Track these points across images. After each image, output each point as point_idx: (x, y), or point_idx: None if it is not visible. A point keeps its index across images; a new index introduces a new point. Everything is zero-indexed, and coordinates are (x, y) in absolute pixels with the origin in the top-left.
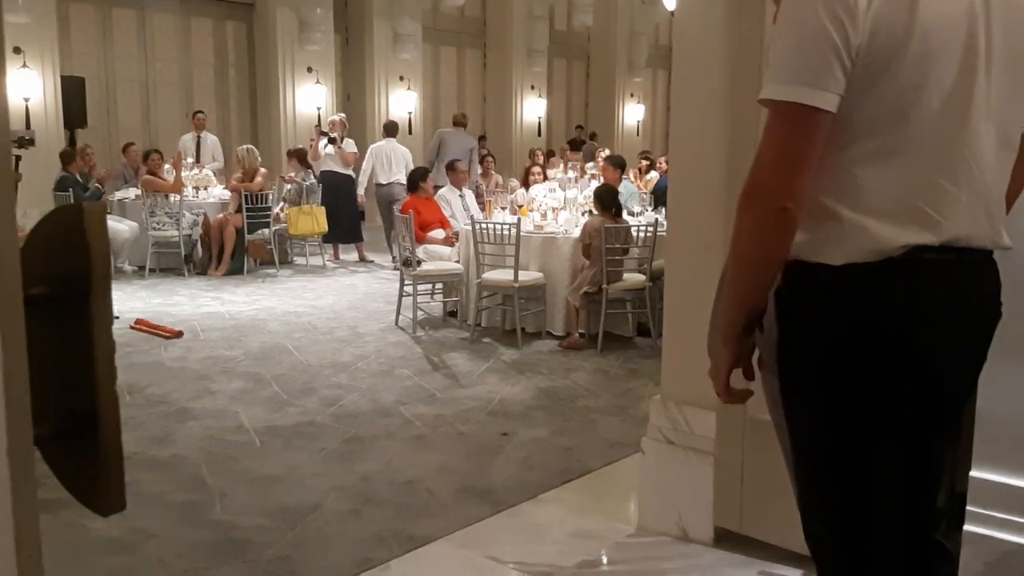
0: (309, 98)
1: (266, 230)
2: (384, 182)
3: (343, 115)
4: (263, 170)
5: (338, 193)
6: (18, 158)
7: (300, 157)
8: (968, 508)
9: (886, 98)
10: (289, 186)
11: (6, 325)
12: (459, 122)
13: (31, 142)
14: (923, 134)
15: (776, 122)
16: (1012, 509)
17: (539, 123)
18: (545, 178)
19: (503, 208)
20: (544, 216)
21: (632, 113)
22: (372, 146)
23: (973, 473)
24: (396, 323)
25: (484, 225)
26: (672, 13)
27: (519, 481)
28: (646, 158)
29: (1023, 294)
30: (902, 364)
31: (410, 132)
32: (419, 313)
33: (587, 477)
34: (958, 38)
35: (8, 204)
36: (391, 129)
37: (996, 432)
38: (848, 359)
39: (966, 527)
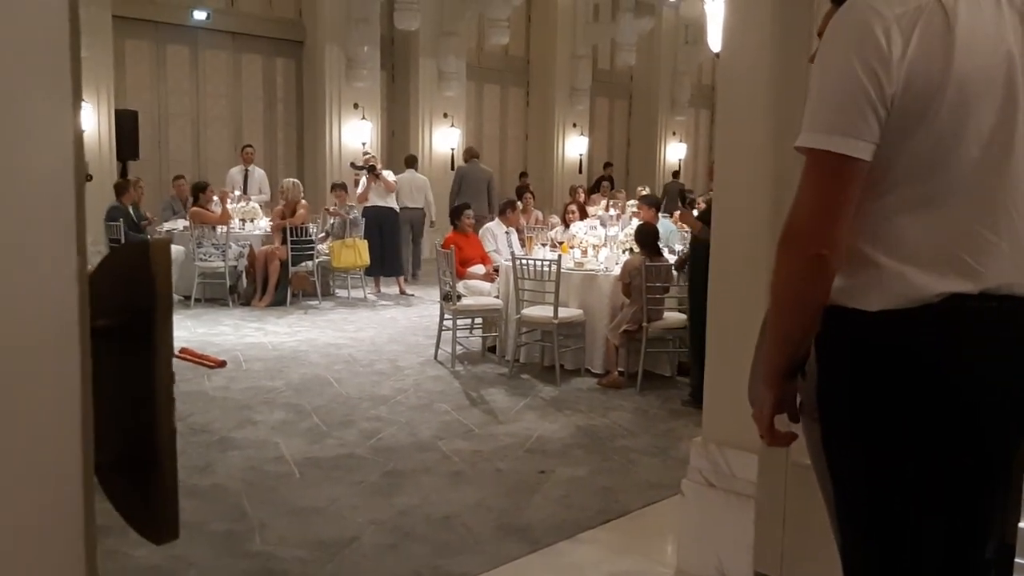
0: (355, 133)
1: (309, 262)
2: (411, 206)
3: (371, 153)
4: (304, 202)
5: (381, 226)
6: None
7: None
8: (1016, 560)
9: (924, 146)
10: (332, 219)
11: (80, 355)
12: (473, 155)
13: (89, 177)
14: (962, 182)
15: (812, 170)
16: None
17: (580, 160)
18: (584, 215)
19: (544, 245)
20: (584, 253)
21: (674, 152)
22: (399, 176)
23: (1022, 524)
24: (435, 357)
25: (524, 261)
26: (716, 55)
27: (557, 520)
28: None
29: None
30: (941, 411)
31: (452, 167)
32: (458, 348)
33: (626, 518)
34: (996, 86)
35: (81, 238)
36: (411, 161)
37: None
38: (884, 405)
39: None
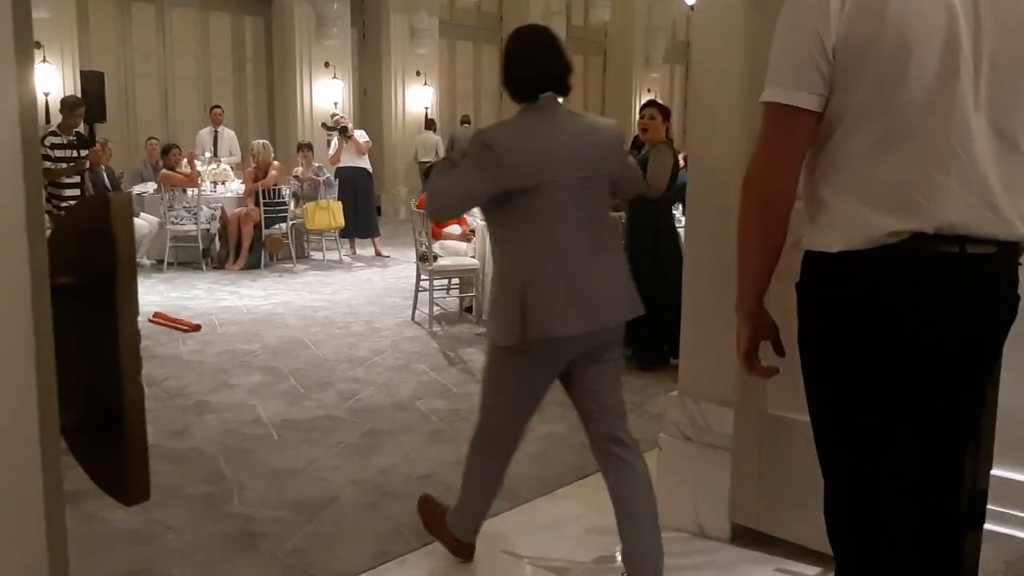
0: (326, 93)
1: (283, 225)
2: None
3: (339, 114)
4: (276, 163)
5: (355, 188)
6: (81, 156)
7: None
8: (989, 507)
9: (868, 93)
10: (303, 184)
11: (35, 315)
12: (465, 120)
13: (92, 141)
14: (909, 125)
15: (765, 121)
16: None
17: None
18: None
19: None
20: None
21: None
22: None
23: (994, 471)
24: (412, 318)
25: None
26: (691, 8)
27: (535, 476)
28: None
29: None
30: (889, 345)
31: (426, 127)
32: (435, 308)
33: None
34: (936, 34)
35: (37, 196)
36: (429, 124)
37: (1018, 430)
38: (848, 341)
39: (986, 526)
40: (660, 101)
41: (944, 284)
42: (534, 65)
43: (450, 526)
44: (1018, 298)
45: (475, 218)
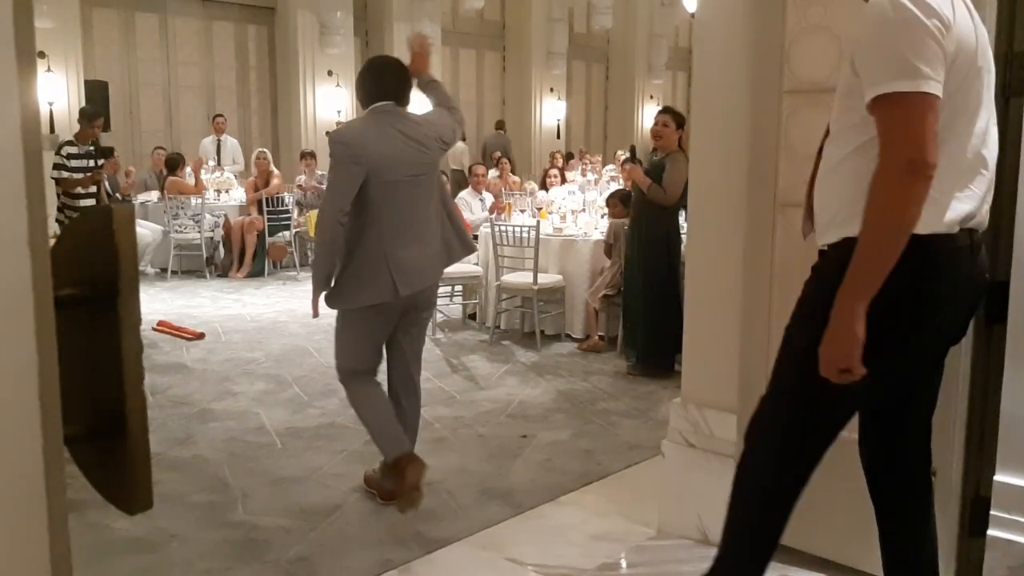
0: (329, 101)
1: (286, 233)
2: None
3: (344, 122)
4: (277, 172)
5: None
6: (99, 166)
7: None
8: (992, 512)
9: (958, 103)
10: (305, 193)
11: (38, 326)
12: (500, 127)
13: (111, 151)
14: (966, 132)
15: (917, 109)
16: None
17: (558, 125)
18: (563, 181)
19: (522, 211)
20: (563, 218)
21: (652, 115)
22: None
23: (997, 477)
24: None
25: (503, 227)
26: (692, 15)
27: (539, 483)
28: None
29: None
30: (930, 313)
31: None
32: (439, 315)
33: (607, 480)
34: (975, 57)
35: (40, 207)
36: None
37: (1020, 435)
38: (906, 305)
39: (989, 531)
40: (673, 107)
41: (974, 261)
42: (375, 82)
43: (379, 473)
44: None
45: (474, 215)
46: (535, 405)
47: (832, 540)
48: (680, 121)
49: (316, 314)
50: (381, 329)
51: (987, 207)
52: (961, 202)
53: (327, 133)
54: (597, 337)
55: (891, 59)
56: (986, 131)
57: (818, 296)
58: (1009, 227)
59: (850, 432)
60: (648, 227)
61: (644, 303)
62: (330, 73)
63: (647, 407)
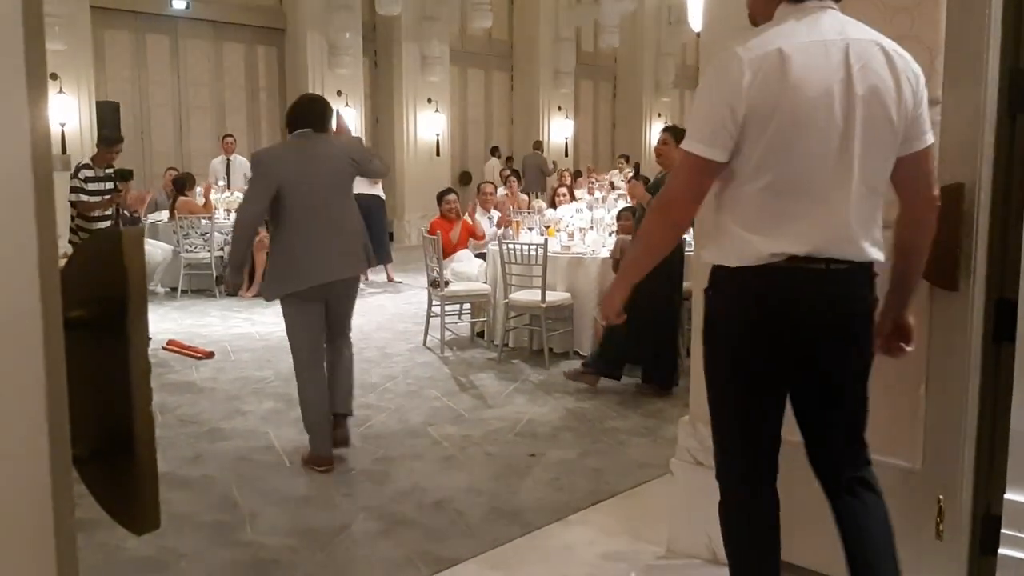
0: None
1: None
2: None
3: (361, 137)
4: None
5: (367, 214)
6: (117, 189)
7: None
8: (1003, 531)
9: (767, 150)
10: None
11: (47, 347)
12: (537, 147)
13: (130, 174)
14: (794, 179)
15: (686, 164)
16: None
17: (566, 144)
18: (572, 199)
19: (531, 229)
20: (571, 236)
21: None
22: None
23: (1007, 496)
24: (424, 343)
25: (511, 246)
26: (698, 34)
27: (548, 502)
28: None
29: None
30: (778, 330)
31: (438, 154)
32: (447, 334)
33: (616, 499)
34: (819, 112)
35: (50, 230)
36: (494, 151)
37: None
38: (743, 327)
39: (1000, 550)
40: (677, 125)
41: (811, 290)
42: (298, 114)
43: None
44: (867, 298)
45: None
46: (543, 423)
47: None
48: (681, 138)
49: (231, 292)
50: (314, 318)
51: (836, 244)
52: (780, 241)
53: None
54: None
55: (692, 118)
56: (820, 176)
57: (704, 311)
58: (1017, 245)
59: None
60: None
61: (648, 321)
62: (339, 93)
63: (656, 425)
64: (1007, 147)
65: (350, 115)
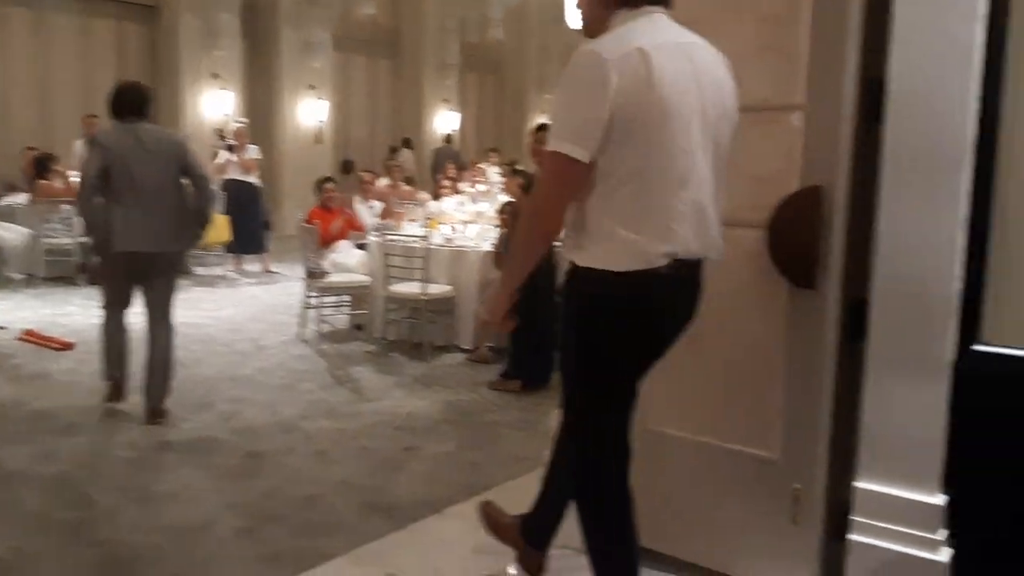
0: (215, 105)
1: None
2: None
3: (245, 121)
4: None
5: (241, 202)
6: None
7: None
8: (852, 518)
9: (638, 151)
10: None
11: None
12: (447, 140)
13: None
14: (671, 175)
15: (554, 166)
16: (894, 519)
17: (449, 136)
18: (455, 192)
19: (413, 220)
20: (454, 229)
21: None
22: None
23: (857, 484)
24: (300, 336)
25: (392, 237)
26: (578, 32)
27: (423, 496)
28: None
29: (915, 317)
30: (644, 327)
31: (319, 141)
32: (324, 326)
33: (492, 491)
34: (682, 110)
35: None
36: (406, 142)
37: (879, 444)
38: (616, 324)
39: (850, 536)
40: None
41: (683, 288)
42: (120, 100)
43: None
44: (700, 290)
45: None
46: (422, 417)
47: (670, 528)
48: None
49: (94, 281)
50: (121, 276)
51: (700, 240)
52: (664, 242)
53: (215, 130)
54: (486, 348)
55: (558, 118)
56: (687, 174)
57: (567, 312)
58: (869, 247)
59: (702, 437)
60: None
61: (525, 316)
62: (216, 76)
63: (534, 419)
64: (863, 152)
65: (226, 99)
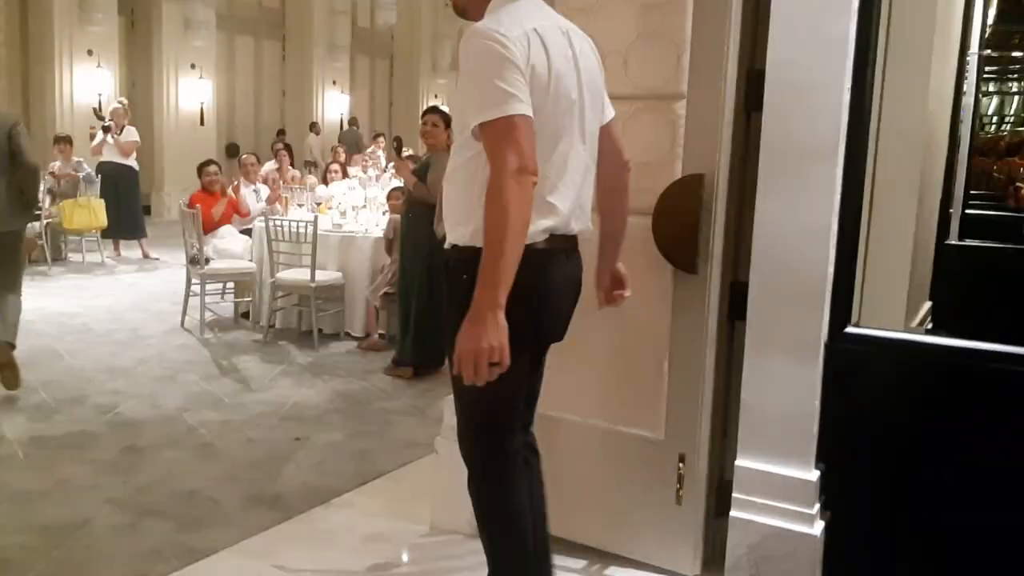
0: (89, 83)
1: (36, 224)
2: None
3: (125, 102)
4: None
5: (119, 185)
6: None
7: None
8: (733, 495)
9: (536, 129)
10: (60, 182)
11: None
12: (352, 123)
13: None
14: (557, 152)
15: (505, 130)
16: (772, 495)
17: (341, 120)
18: (344, 176)
19: (300, 205)
20: (343, 214)
21: None
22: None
23: (737, 462)
24: (182, 325)
25: (279, 222)
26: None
27: (311, 487)
28: None
29: (791, 300)
30: (531, 317)
31: (202, 123)
32: (208, 314)
33: (381, 479)
34: (569, 89)
35: None
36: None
37: (758, 423)
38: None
39: (732, 513)
40: (444, 108)
41: (569, 264)
42: None
43: None
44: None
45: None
46: (310, 406)
47: (564, 511)
48: (448, 120)
49: None
50: None
51: (576, 218)
52: (544, 217)
53: (94, 110)
54: (377, 336)
55: (487, 89)
56: (567, 154)
57: (452, 296)
58: (749, 232)
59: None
60: (415, 225)
61: (413, 301)
62: (90, 52)
63: (424, 405)
64: (743, 142)
65: (102, 77)
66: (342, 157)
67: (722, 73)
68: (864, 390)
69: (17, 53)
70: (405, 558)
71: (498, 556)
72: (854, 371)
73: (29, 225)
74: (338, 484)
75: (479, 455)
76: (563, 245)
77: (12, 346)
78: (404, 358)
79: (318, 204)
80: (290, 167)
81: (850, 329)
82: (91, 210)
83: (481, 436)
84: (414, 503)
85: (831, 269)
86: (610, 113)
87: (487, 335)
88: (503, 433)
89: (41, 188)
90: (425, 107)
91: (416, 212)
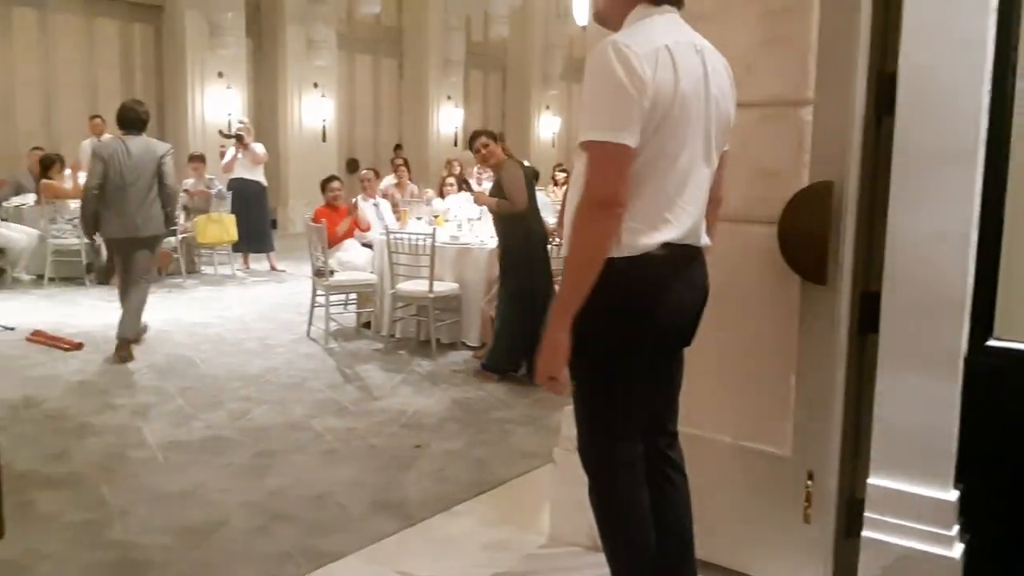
0: (220, 103)
1: (172, 238)
2: None
3: (246, 121)
4: None
5: (248, 200)
6: None
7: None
8: (865, 514)
9: (660, 145)
10: (192, 196)
11: None
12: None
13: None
14: (677, 175)
15: (608, 155)
16: (907, 515)
17: (456, 133)
18: (460, 188)
19: (419, 218)
20: (460, 227)
21: (547, 125)
22: None
23: (870, 480)
24: (308, 334)
25: (399, 235)
26: (584, 28)
27: (431, 494)
28: (562, 170)
29: (927, 312)
30: (647, 318)
31: (324, 139)
32: (332, 324)
33: (500, 488)
34: (698, 109)
35: None
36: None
37: (892, 440)
38: (623, 316)
39: (863, 533)
40: (489, 130)
41: (682, 272)
42: (123, 116)
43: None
44: (707, 282)
45: (373, 232)
46: (429, 415)
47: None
48: (494, 136)
49: (102, 280)
50: (118, 255)
51: (696, 232)
52: (661, 231)
53: (220, 132)
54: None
55: (598, 110)
56: (688, 171)
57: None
58: (881, 241)
59: (729, 437)
60: (509, 235)
61: (513, 309)
62: (220, 75)
63: (540, 415)
64: (873, 147)
65: (231, 98)
66: (457, 170)
67: (851, 77)
68: (1007, 407)
69: (153, 77)
70: (525, 567)
71: (617, 565)
72: (996, 386)
73: (165, 240)
74: (457, 492)
75: (597, 463)
76: (683, 252)
77: (133, 341)
78: (488, 363)
79: (435, 216)
80: (408, 181)
81: (992, 342)
82: (223, 225)
83: (598, 443)
84: (533, 513)
85: (971, 280)
86: (727, 144)
87: (554, 357)
88: (621, 441)
89: (177, 204)
90: (537, 118)
91: (504, 225)
